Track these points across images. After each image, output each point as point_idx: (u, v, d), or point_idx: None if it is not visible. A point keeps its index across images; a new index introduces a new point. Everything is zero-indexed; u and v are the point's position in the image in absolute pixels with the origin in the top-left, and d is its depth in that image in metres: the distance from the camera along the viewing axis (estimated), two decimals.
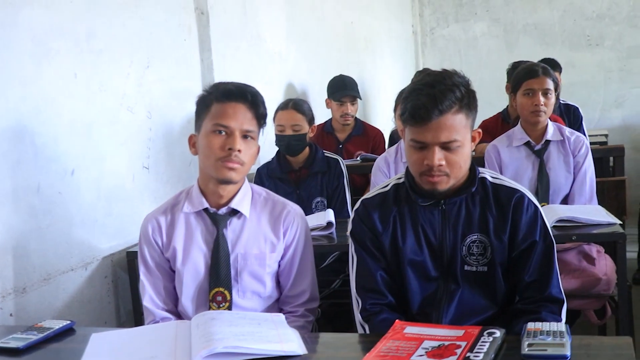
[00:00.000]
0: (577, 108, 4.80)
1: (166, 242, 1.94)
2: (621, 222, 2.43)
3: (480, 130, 1.86)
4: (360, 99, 4.12)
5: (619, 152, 3.39)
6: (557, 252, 2.52)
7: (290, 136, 3.17)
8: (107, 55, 2.58)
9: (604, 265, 2.55)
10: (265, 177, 3.28)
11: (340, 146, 4.07)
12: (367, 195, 1.92)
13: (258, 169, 3.34)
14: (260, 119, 1.91)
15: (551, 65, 4.79)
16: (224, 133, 1.84)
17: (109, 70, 2.60)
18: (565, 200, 3.03)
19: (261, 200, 2.00)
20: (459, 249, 1.80)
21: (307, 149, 3.26)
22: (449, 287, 1.80)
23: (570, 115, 4.80)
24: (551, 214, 2.53)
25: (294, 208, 2.02)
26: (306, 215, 3.08)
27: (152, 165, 2.85)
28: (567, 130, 3.08)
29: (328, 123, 4.16)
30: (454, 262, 1.81)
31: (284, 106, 3.22)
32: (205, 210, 1.94)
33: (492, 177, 1.86)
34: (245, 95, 1.86)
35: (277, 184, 3.25)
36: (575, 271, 2.53)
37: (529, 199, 1.81)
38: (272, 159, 3.32)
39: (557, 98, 4.73)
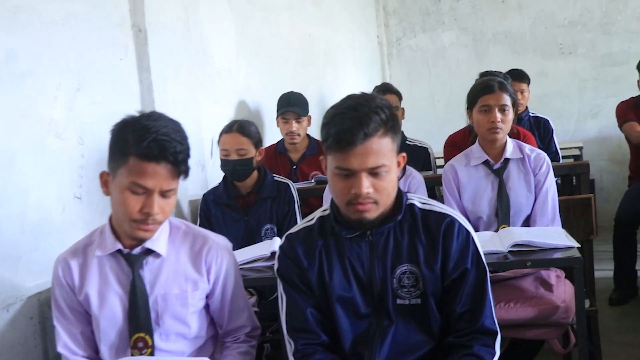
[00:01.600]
0: (548, 121, 4.84)
1: (78, 285, 1.89)
2: (579, 246, 2.42)
3: (404, 154, 1.84)
4: (305, 115, 4.06)
5: (583, 168, 3.39)
6: (513, 278, 2.53)
7: (235, 161, 3.13)
8: (31, 79, 2.53)
9: (563, 292, 2.54)
10: (212, 203, 3.25)
11: (294, 167, 4.04)
12: (292, 230, 1.90)
13: (204, 195, 3.30)
14: (183, 174, 1.85)
15: (519, 76, 4.88)
16: (141, 193, 1.79)
17: (33, 95, 2.54)
18: (527, 222, 3.02)
19: (180, 235, 1.96)
20: (389, 281, 1.79)
21: (255, 173, 3.23)
22: (382, 323, 1.79)
23: (540, 129, 4.84)
24: (507, 237, 2.52)
25: (217, 241, 1.99)
26: (255, 243, 3.09)
27: (84, 194, 2.79)
28: (527, 148, 3.08)
29: (280, 143, 4.13)
30: (385, 297, 1.79)
31: (227, 129, 3.18)
32: (119, 251, 1.89)
33: (421, 202, 1.85)
34: (166, 156, 1.78)
35: (224, 210, 3.21)
36: (531, 299, 2.51)
37: (459, 224, 1.80)
38: (219, 184, 3.28)
39: (526, 111, 4.80)
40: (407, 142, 4.28)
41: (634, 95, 4.77)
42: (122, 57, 3.07)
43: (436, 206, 1.85)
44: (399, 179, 3.11)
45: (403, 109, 4.36)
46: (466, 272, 1.78)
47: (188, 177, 1.89)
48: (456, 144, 4.13)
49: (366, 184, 1.70)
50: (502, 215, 2.99)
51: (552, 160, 4.54)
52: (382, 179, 1.72)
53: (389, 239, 1.80)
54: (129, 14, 3.12)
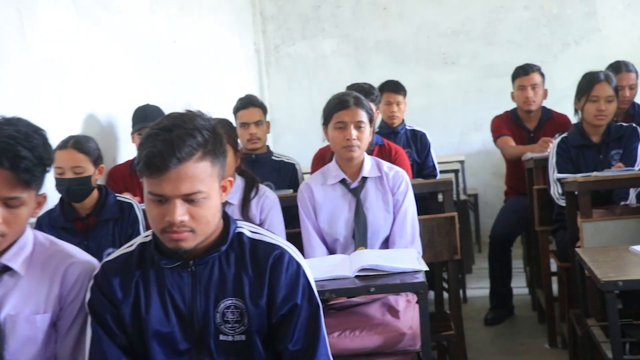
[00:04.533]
0: (425, 134, 4.95)
1: None
2: (427, 269, 2.48)
3: (232, 179, 1.84)
4: None
5: (447, 186, 3.50)
6: (361, 304, 2.56)
7: (70, 180, 3.04)
8: None
9: (410, 318, 2.59)
10: (47, 227, 3.12)
11: None
12: (110, 257, 1.86)
13: (38, 219, 3.17)
14: (30, 183, 1.78)
15: (395, 88, 4.98)
16: None
17: None
18: (386, 243, 3.08)
19: (42, 252, 1.90)
20: (212, 316, 1.77)
21: (95, 193, 3.15)
22: None
23: (417, 142, 4.95)
24: (357, 261, 2.55)
25: (82, 260, 1.92)
26: None
27: None
28: (386, 166, 3.13)
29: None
30: (206, 332, 1.77)
31: (62, 145, 3.09)
32: None
33: (251, 231, 1.84)
34: (2, 161, 1.72)
35: (60, 234, 3.09)
36: (377, 326, 2.55)
37: (290, 256, 1.80)
38: (55, 205, 3.17)
39: (402, 124, 4.90)
40: (273, 157, 4.29)
41: (509, 109, 4.97)
42: None
43: (267, 236, 1.84)
44: (251, 199, 3.16)
45: (268, 122, 4.37)
46: (296, 307, 1.77)
47: (40, 189, 1.84)
48: (324, 158, 4.16)
49: (180, 212, 1.68)
50: (359, 236, 3.03)
51: (429, 176, 4.76)
52: (200, 205, 1.70)
53: (213, 270, 1.79)
54: None
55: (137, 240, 1.86)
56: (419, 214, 3.26)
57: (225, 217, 1.83)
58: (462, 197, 5.91)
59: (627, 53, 6.23)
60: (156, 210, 1.70)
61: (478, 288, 5.28)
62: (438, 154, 6.39)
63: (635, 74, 4.54)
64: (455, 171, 5.48)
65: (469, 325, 4.51)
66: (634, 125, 3.84)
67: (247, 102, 4.26)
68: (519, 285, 5.03)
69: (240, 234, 1.83)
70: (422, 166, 4.88)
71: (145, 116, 3.94)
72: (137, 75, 4.52)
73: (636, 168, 3.32)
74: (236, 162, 3.14)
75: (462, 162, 6.12)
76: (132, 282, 1.79)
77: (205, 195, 1.70)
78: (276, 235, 1.86)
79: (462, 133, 7.01)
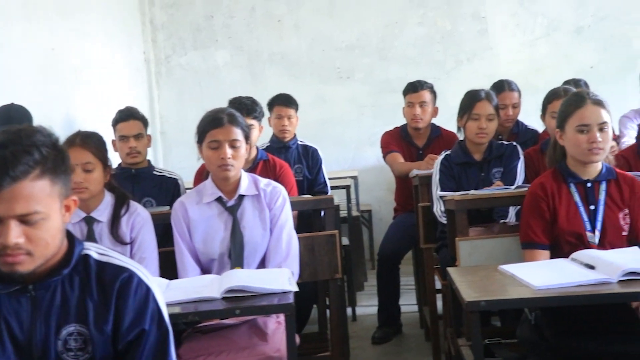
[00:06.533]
0: (316, 150, 4.98)
1: None
2: (296, 290, 2.47)
3: (76, 198, 1.78)
4: None
5: (328, 203, 3.51)
6: (228, 327, 2.53)
7: None
8: None
9: (280, 341, 2.58)
10: None
11: None
12: None
13: None
14: None
15: (286, 102, 5.00)
16: None
17: None
18: (264, 262, 3.06)
19: None
20: (53, 343, 1.71)
21: None
22: None
23: (308, 158, 4.97)
24: (226, 281, 2.52)
25: None
26: None
27: None
28: (264, 182, 3.11)
29: None
30: None
31: None
32: None
33: (99, 253, 1.79)
34: None
35: None
36: (244, 350, 2.53)
37: (139, 280, 1.75)
38: None
39: (294, 139, 4.91)
40: (154, 172, 4.22)
41: (399, 125, 5.05)
42: None
43: (115, 258, 1.79)
44: (121, 216, 3.08)
45: (149, 136, 4.29)
46: (143, 333, 1.73)
47: None
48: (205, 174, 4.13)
49: (15, 234, 1.61)
50: (235, 256, 3.00)
51: (320, 192, 4.78)
52: (37, 227, 1.64)
53: (55, 295, 1.73)
54: None
55: None
56: (303, 231, 3.27)
57: (71, 238, 1.77)
58: (355, 213, 5.95)
59: (518, 71, 6.49)
60: None
61: (369, 306, 5.32)
62: (332, 169, 6.50)
63: (518, 93, 4.71)
64: (347, 187, 5.51)
65: (357, 344, 4.55)
66: (514, 143, 3.97)
67: (127, 115, 4.17)
68: (410, 303, 5.10)
69: (87, 256, 1.77)
70: (313, 182, 4.91)
71: (9, 117, 3.77)
72: (8, 86, 4.35)
73: (512, 187, 3.42)
74: (105, 177, 3.07)
75: (355, 177, 6.17)
76: None
77: (44, 216, 1.64)
78: (126, 258, 1.82)
79: (356, 148, 7.08)
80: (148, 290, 1.76)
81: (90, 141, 3.05)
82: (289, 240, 3.05)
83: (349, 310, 5.01)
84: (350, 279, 5.21)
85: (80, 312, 1.72)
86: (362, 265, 6.23)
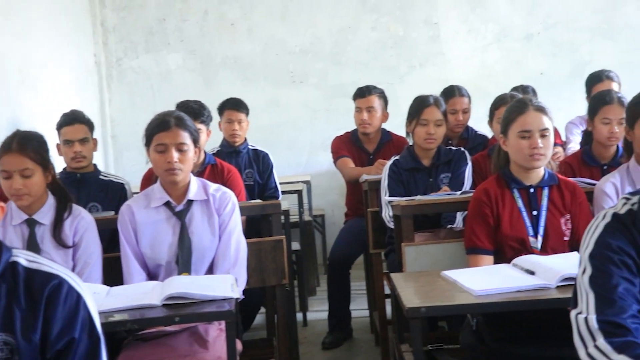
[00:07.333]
0: (267, 155, 4.98)
1: None
2: (238, 297, 2.47)
3: (3, 205, 1.76)
4: None
5: (274, 208, 3.51)
6: (169, 334, 2.52)
7: None
8: None
9: (221, 348, 2.57)
10: None
11: None
12: None
13: None
14: None
15: (236, 106, 5.00)
16: None
17: None
18: (211, 268, 3.05)
19: None
20: None
21: None
22: None
23: (259, 163, 4.97)
24: (167, 288, 2.51)
25: None
26: None
27: None
28: (213, 188, 3.12)
29: None
30: None
31: None
32: None
33: (28, 260, 1.75)
34: None
35: None
36: (184, 357, 2.52)
37: (69, 287, 1.72)
38: None
39: (244, 143, 4.89)
40: (100, 176, 4.17)
41: (350, 130, 5.08)
42: None
43: (46, 265, 1.76)
44: (64, 219, 3.03)
45: (95, 140, 4.25)
46: (73, 342, 1.69)
47: None
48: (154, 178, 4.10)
49: None
50: (182, 261, 3.00)
51: (271, 197, 4.78)
52: None
53: None
54: None
55: None
56: (252, 237, 3.27)
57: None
58: (307, 217, 5.96)
59: (469, 77, 6.57)
60: None
61: (321, 311, 5.33)
62: (285, 173, 6.50)
63: (468, 99, 4.76)
64: (299, 192, 5.51)
65: (307, 350, 4.55)
66: (462, 149, 4.02)
67: (72, 119, 4.11)
68: (362, 307, 5.12)
69: (15, 263, 1.73)
70: (264, 187, 4.91)
71: None
72: None
73: (459, 193, 3.45)
74: (47, 179, 3.01)
75: (308, 182, 6.18)
76: None
77: None
78: (57, 265, 1.78)
79: (309, 152, 7.10)
80: (79, 297, 1.73)
81: (27, 145, 2.93)
82: (238, 246, 3.05)
83: (299, 316, 5.02)
84: (302, 284, 5.21)
85: (7, 321, 1.68)
86: (315, 270, 6.24)
